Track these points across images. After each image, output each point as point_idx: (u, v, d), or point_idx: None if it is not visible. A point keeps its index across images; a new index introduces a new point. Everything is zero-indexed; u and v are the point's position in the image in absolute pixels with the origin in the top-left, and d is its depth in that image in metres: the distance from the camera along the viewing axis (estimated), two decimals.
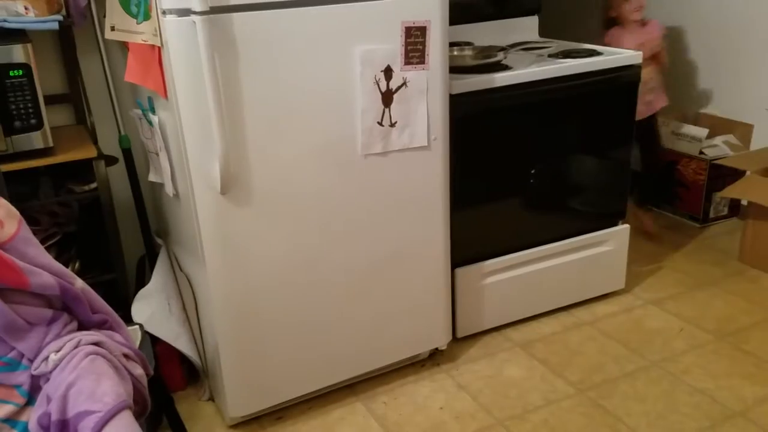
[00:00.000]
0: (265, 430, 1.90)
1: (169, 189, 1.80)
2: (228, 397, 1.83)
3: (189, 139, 1.59)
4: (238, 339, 1.78)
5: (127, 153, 2.05)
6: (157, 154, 1.81)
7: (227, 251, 1.69)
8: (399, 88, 1.73)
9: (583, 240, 2.30)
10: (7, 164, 1.68)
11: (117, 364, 1.12)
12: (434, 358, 2.14)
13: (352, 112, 1.70)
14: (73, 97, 2.09)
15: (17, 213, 1.22)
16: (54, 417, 1.07)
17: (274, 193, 1.69)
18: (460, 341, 2.21)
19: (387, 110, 1.72)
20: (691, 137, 2.96)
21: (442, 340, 2.10)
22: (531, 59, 2.20)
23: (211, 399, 2.00)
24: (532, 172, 2.17)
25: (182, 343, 1.95)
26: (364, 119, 1.71)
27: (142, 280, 2.11)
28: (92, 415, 1.02)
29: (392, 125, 1.75)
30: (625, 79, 2.22)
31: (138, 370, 1.15)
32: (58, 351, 1.16)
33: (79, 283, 1.24)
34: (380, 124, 1.73)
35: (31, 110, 1.68)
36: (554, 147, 2.18)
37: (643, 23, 2.68)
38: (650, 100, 2.71)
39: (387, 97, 1.72)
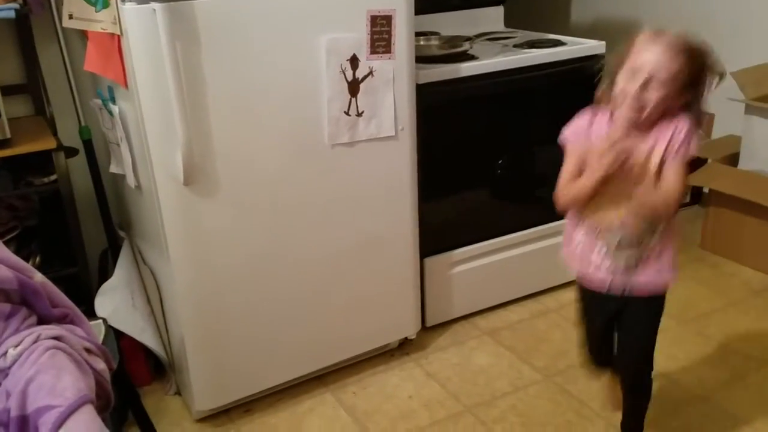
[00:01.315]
0: (234, 422, 1.89)
1: (131, 180, 1.77)
2: (195, 390, 1.81)
3: (150, 130, 1.56)
4: (204, 332, 1.76)
5: (88, 144, 2.00)
6: (118, 145, 1.78)
7: (191, 243, 1.67)
8: (365, 77, 1.72)
9: (550, 228, 2.33)
10: None
11: (78, 358, 1.10)
12: (403, 347, 2.15)
13: (319, 101, 1.69)
14: (31, 87, 2.03)
15: None
16: (13, 413, 1.04)
17: (239, 184, 1.67)
18: (429, 330, 2.23)
19: (353, 100, 1.72)
20: None
21: (411, 330, 2.11)
22: (497, 49, 2.21)
23: (178, 393, 1.98)
24: (500, 162, 2.18)
25: (147, 338, 1.92)
26: (331, 109, 1.70)
27: (105, 274, 2.07)
28: (53, 410, 1.00)
29: (359, 115, 1.74)
30: (589, 69, 2.24)
31: (100, 365, 1.13)
32: (16, 346, 1.14)
33: (39, 277, 1.21)
34: (347, 113, 1.72)
35: None
36: (521, 137, 2.20)
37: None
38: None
39: (353, 87, 1.71)
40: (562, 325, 2.25)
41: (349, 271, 1.90)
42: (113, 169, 1.91)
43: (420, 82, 1.89)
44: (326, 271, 1.87)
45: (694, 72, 1.31)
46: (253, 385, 1.90)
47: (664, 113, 1.34)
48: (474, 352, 2.14)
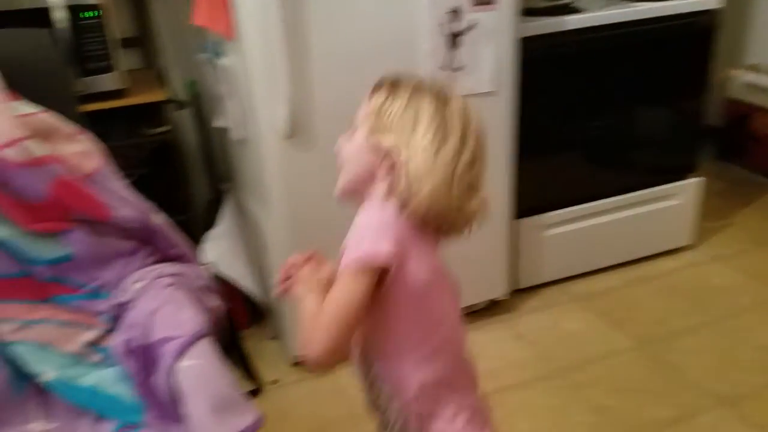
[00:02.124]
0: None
1: (236, 134, 1.83)
2: (291, 336, 1.89)
3: (256, 83, 1.61)
4: None
5: (195, 97, 2.08)
6: (224, 99, 1.84)
7: (291, 194, 1.72)
8: (466, 30, 1.69)
9: (650, 193, 2.24)
10: (81, 105, 1.73)
11: (195, 295, 1.17)
12: (492, 308, 2.14)
13: (418, 55, 1.68)
14: (144, 40, 2.12)
15: (99, 147, 1.27)
16: (138, 343, 1.13)
17: (336, 137, 1.69)
18: (519, 293, 2.20)
19: (453, 53, 1.69)
20: (765, 89, 2.81)
21: (501, 291, 2.09)
22: (602, 2, 2.11)
23: (275, 338, 2.07)
24: (599, 121, 2.10)
25: (248, 283, 2.00)
26: (429, 62, 1.68)
27: (210, 223, 2.17)
28: (174, 341, 1.07)
29: (458, 69, 1.72)
30: (700, 25, 2.11)
31: (215, 302, 1.19)
32: (140, 281, 1.22)
33: (159, 218, 1.29)
34: (446, 67, 1.70)
35: (104, 52, 1.72)
36: (624, 96, 2.10)
37: None
38: None
39: (453, 40, 1.68)
40: (659, 294, 2.17)
41: None
42: (218, 123, 1.98)
43: (522, 35, 1.84)
44: None
45: None
46: None
47: None
48: (565, 316, 2.11)
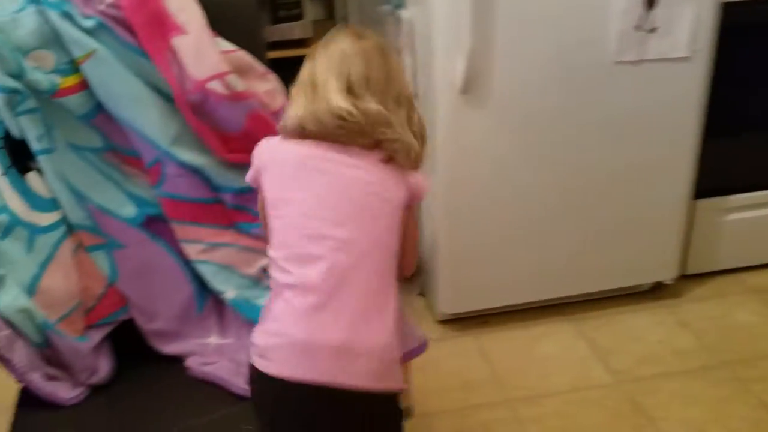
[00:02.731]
0: (471, 330, 1.95)
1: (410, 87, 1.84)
2: (440, 294, 1.90)
3: (438, 35, 1.60)
4: (457, 239, 1.82)
5: None
6: (401, 53, 1.85)
7: (457, 151, 1.71)
8: None
9: None
10: (269, 51, 1.83)
11: None
12: (656, 291, 2.02)
13: (608, 14, 1.59)
14: None
15: (283, 88, 1.33)
16: None
17: (513, 97, 1.66)
18: (687, 278, 2.05)
19: (649, 13, 1.58)
20: None
21: (668, 274, 1.97)
22: None
23: (422, 294, 2.10)
24: None
25: None
26: (621, 21, 1.59)
27: None
28: None
29: (651, 30, 1.60)
30: None
31: None
32: None
33: None
34: (638, 28, 1.59)
35: (293, 0, 1.79)
36: None
37: None
38: None
39: None
40: None
41: (610, 201, 1.81)
42: None
43: None
44: (586, 197, 1.80)
45: None
46: (493, 299, 1.93)
47: None
48: (737, 308, 1.94)
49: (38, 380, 1.12)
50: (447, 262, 1.85)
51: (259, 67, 1.32)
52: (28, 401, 1.14)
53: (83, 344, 1.20)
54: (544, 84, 1.65)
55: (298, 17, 1.81)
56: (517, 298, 1.94)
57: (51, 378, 1.15)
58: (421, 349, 1.11)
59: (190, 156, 1.25)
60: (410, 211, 1.03)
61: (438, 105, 1.66)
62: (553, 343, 1.88)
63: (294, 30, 1.83)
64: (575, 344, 1.86)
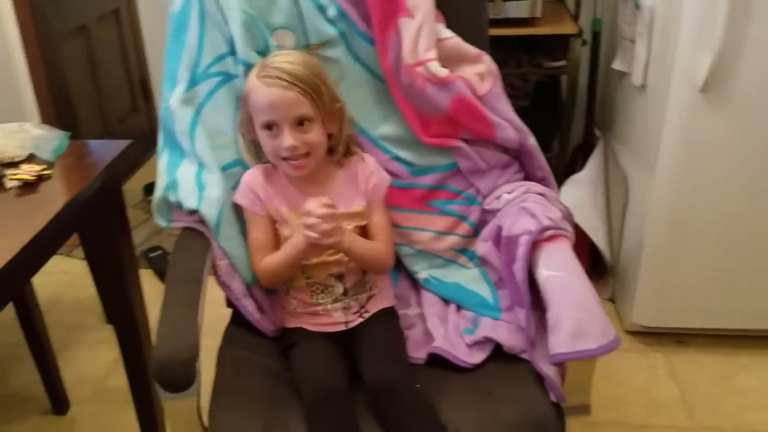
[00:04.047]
0: (663, 347, 1.82)
1: (637, 79, 1.73)
2: (636, 303, 1.79)
3: (685, 27, 1.48)
4: (665, 249, 1.69)
5: (596, 36, 2.02)
6: (633, 41, 1.74)
7: (684, 154, 1.58)
8: None
9: None
10: (494, 28, 1.80)
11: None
12: None
13: None
14: None
15: (496, 70, 1.31)
16: (504, 233, 1.19)
17: (758, 98, 1.50)
18: None
19: None
20: None
21: None
22: None
23: (611, 300, 1.99)
24: None
25: (599, 237, 1.94)
26: None
27: (573, 167, 2.14)
28: (531, 234, 1.12)
29: None
30: None
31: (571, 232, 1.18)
32: (510, 192, 1.27)
33: (533, 140, 1.33)
34: None
35: None
36: None
37: None
38: None
39: None
40: None
41: None
42: (616, 65, 1.90)
43: None
44: None
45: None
46: (693, 319, 1.78)
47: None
48: None
49: (251, 307, 1.22)
50: (650, 271, 1.73)
51: (472, 50, 1.30)
52: (238, 322, 1.24)
53: (278, 296, 1.28)
54: None
55: None
56: (720, 322, 1.78)
57: (260, 310, 1.25)
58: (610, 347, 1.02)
59: (394, 137, 1.30)
60: None
61: (671, 100, 1.54)
62: (756, 376, 1.70)
63: (521, 8, 1.78)
64: None
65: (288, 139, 1.09)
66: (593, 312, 1.02)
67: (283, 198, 1.18)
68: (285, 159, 1.13)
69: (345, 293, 1.20)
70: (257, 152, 1.20)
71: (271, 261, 1.16)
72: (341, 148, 1.20)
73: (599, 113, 2.18)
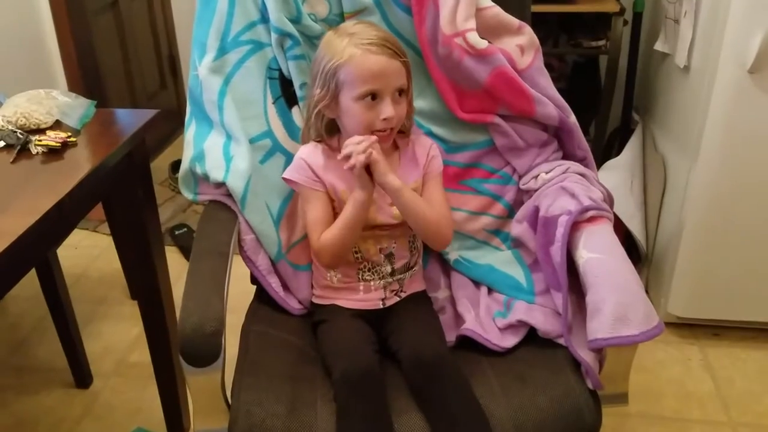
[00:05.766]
0: (698, 340, 1.76)
1: (680, 60, 1.66)
2: (672, 293, 1.72)
3: (735, 4, 1.41)
4: (704, 239, 1.63)
5: (638, 17, 1.95)
6: (677, 22, 1.67)
7: (729, 140, 1.51)
8: None
9: None
10: (533, 5, 1.73)
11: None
12: None
13: None
14: None
15: (537, 43, 1.25)
16: (541, 214, 1.14)
17: None
18: None
19: None
20: None
21: None
22: None
23: (644, 289, 1.93)
24: None
25: (634, 224, 1.88)
26: None
27: (609, 152, 2.08)
28: (571, 215, 1.07)
29: None
30: None
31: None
32: (548, 172, 1.22)
33: (573, 118, 1.27)
34: None
35: None
36: None
37: None
38: None
39: None
40: None
41: None
42: (659, 46, 1.82)
43: None
44: None
45: None
46: (731, 311, 1.72)
47: None
48: None
49: (276, 284, 1.20)
50: (687, 260, 1.67)
51: (514, 21, 1.24)
52: (262, 299, 1.22)
53: (303, 273, 1.24)
54: None
55: None
56: (758, 315, 1.71)
57: (284, 287, 1.22)
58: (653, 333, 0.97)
59: (428, 112, 1.26)
60: None
61: (717, 81, 1.47)
62: None
63: None
64: None
65: (389, 108, 1.05)
66: (636, 296, 0.97)
67: (341, 178, 1.12)
68: (376, 131, 1.07)
69: (392, 273, 1.17)
70: (323, 130, 1.14)
71: (331, 231, 1.10)
72: (409, 124, 1.17)
73: (638, 97, 2.10)
